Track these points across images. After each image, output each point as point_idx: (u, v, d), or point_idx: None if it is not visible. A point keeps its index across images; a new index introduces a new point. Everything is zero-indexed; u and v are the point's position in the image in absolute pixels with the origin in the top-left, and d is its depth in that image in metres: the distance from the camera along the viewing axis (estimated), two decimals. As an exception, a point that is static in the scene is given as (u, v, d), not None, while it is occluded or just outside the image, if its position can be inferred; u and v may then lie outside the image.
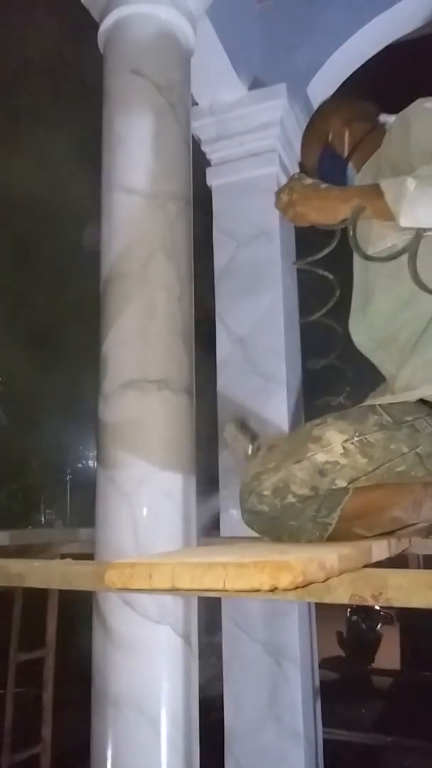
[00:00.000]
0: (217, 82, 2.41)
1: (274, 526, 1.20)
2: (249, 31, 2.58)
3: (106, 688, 1.56)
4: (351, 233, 1.18)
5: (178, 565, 0.76)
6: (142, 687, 1.55)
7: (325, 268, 1.37)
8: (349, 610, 5.91)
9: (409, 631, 5.21)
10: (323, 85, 2.64)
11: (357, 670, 5.27)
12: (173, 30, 1.89)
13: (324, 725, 2.60)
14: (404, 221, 1.10)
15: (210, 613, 2.50)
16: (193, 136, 2.52)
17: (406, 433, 1.17)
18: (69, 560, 1.17)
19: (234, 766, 2.21)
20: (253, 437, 1.48)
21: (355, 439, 1.15)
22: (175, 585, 0.76)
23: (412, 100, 1.45)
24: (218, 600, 2.34)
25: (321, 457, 1.14)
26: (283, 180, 2.59)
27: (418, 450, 1.16)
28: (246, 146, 2.52)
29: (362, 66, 2.72)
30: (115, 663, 1.55)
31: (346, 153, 1.50)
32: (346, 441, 1.15)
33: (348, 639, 5.82)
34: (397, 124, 1.36)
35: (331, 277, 1.39)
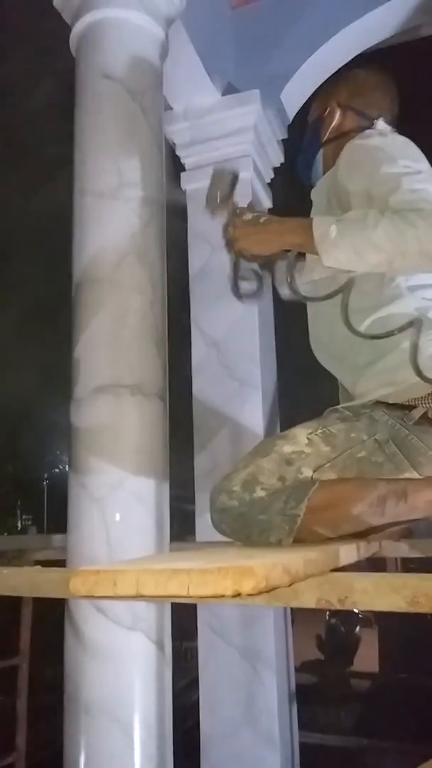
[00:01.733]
0: (191, 86, 2.42)
1: (244, 523, 1.21)
2: (222, 36, 2.59)
3: (78, 696, 1.54)
4: (288, 280, 1.28)
5: (142, 571, 0.75)
6: (115, 694, 1.54)
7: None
8: (327, 613, 5.93)
9: (387, 633, 5.25)
10: (297, 91, 2.66)
11: (336, 673, 5.29)
12: (146, 35, 1.90)
13: (302, 729, 2.60)
14: (326, 261, 1.20)
15: (186, 618, 2.49)
16: (167, 141, 2.53)
17: (365, 423, 1.25)
18: (38, 567, 1.16)
19: (210, 771, 2.21)
20: (228, 194, 1.43)
21: (319, 431, 1.24)
22: (139, 592, 0.75)
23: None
24: (194, 605, 2.34)
25: (287, 448, 1.23)
26: (257, 185, 2.61)
27: (376, 437, 1.24)
28: (220, 151, 2.52)
29: (337, 72, 2.74)
30: (88, 670, 1.54)
31: (323, 138, 1.53)
32: (310, 433, 1.24)
33: (327, 642, 5.84)
34: (345, 151, 1.39)
35: (260, 274, 1.49)
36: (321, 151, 1.53)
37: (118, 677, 1.55)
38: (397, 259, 1.17)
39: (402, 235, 1.15)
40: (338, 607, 0.84)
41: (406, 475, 1.25)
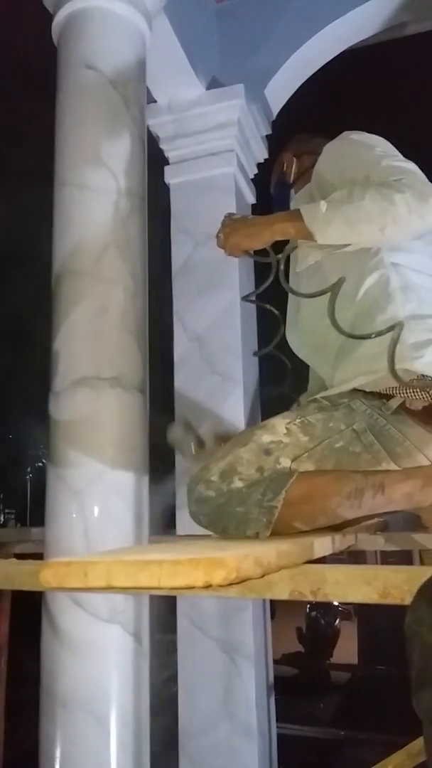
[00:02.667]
0: (175, 79, 2.40)
1: (221, 514, 1.20)
2: (207, 30, 2.58)
3: (54, 689, 1.54)
4: (281, 266, 1.31)
5: (113, 563, 0.75)
6: (92, 687, 1.54)
7: (276, 298, 1.48)
8: (308, 606, 5.98)
9: (366, 625, 5.31)
10: (281, 86, 2.66)
11: (316, 665, 5.35)
12: (128, 26, 1.88)
13: (282, 721, 2.62)
14: (320, 239, 1.25)
15: (168, 611, 2.49)
16: (151, 134, 2.52)
17: (343, 412, 1.26)
18: (12, 560, 1.15)
19: (188, 763, 2.21)
20: (198, 438, 1.55)
21: (297, 420, 1.25)
22: (110, 583, 0.75)
23: (369, 105, 1.54)
24: (175, 598, 2.34)
25: (266, 438, 1.23)
26: (241, 180, 2.61)
27: (354, 426, 1.25)
28: (204, 145, 2.52)
29: (321, 69, 2.75)
30: (64, 663, 1.54)
31: (291, 180, 1.67)
32: (288, 423, 1.25)
33: (307, 635, 5.90)
34: (325, 151, 1.49)
35: (276, 312, 1.53)
36: (292, 192, 1.66)
37: (95, 670, 1.55)
38: (389, 225, 1.22)
39: (389, 200, 1.20)
40: (311, 598, 0.85)
41: (384, 465, 1.26)
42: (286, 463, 1.21)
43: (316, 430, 1.24)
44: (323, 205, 1.24)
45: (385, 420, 1.25)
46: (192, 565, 0.71)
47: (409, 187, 1.21)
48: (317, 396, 1.32)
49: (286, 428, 1.24)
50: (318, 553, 1.06)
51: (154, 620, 1.70)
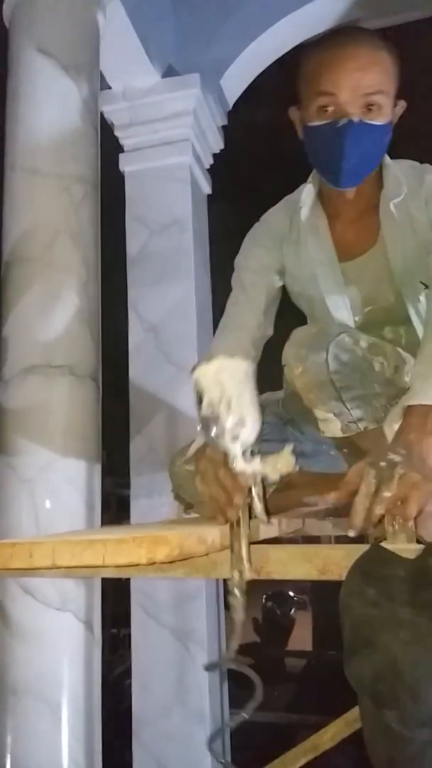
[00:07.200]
0: (130, 67, 2.38)
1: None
2: (163, 17, 2.56)
3: (5, 677, 1.53)
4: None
5: (58, 543, 0.76)
6: (43, 674, 1.54)
7: None
8: (264, 596, 6.06)
9: (320, 614, 5.41)
10: (237, 77, 2.66)
11: (271, 654, 5.42)
12: (81, 10, 1.86)
13: (235, 707, 2.64)
14: None
15: (125, 605, 2.49)
16: (106, 121, 2.49)
17: None
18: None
19: (141, 751, 2.23)
20: None
21: None
22: (55, 563, 0.76)
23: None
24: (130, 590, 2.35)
25: None
26: (196, 170, 2.60)
27: None
28: (159, 134, 2.50)
29: (278, 61, 2.76)
30: (15, 651, 1.53)
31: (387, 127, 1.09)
32: None
33: (263, 625, 5.97)
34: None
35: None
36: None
37: (46, 658, 1.54)
38: None
39: None
40: (254, 576, 0.87)
41: None
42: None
43: None
44: None
45: None
46: (136, 543, 0.72)
47: None
48: None
49: None
50: (263, 534, 1.08)
51: (112, 614, 1.70)
